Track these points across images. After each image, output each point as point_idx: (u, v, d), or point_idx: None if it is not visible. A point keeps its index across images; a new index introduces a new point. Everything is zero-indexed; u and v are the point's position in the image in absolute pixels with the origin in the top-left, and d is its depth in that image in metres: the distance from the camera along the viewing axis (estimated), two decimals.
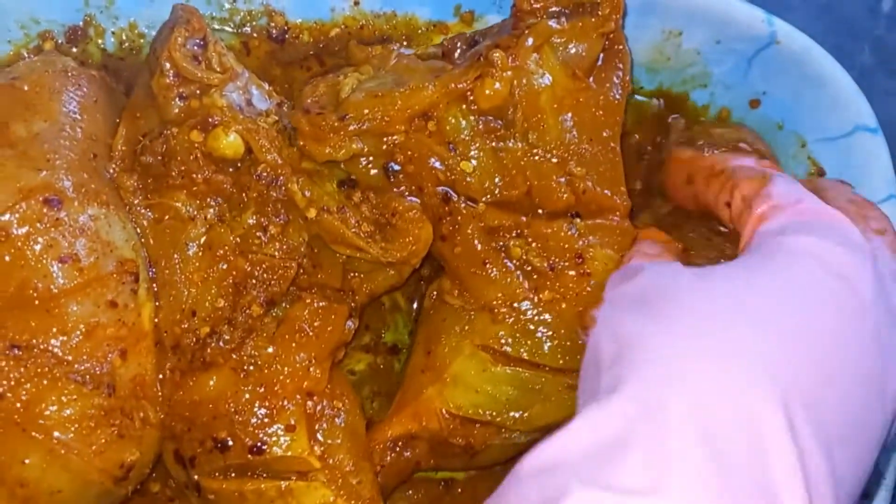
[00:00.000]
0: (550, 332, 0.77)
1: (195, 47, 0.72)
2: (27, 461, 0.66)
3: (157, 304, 0.72)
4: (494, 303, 0.77)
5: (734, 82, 0.90)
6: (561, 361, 0.78)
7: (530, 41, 0.74)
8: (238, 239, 0.72)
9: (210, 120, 0.71)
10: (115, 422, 0.68)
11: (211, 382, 0.72)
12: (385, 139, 0.74)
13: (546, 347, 0.78)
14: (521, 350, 0.77)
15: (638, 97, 0.91)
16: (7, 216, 0.66)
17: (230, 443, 0.72)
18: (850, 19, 1.00)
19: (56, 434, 0.66)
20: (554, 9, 0.77)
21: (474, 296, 0.77)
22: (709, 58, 0.88)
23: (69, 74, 0.73)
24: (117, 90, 0.78)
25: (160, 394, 0.72)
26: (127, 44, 0.80)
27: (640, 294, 0.65)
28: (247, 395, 0.72)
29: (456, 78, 0.73)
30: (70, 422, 0.67)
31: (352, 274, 0.77)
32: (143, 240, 0.72)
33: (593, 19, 0.76)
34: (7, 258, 0.66)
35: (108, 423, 0.68)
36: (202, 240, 0.72)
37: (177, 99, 0.72)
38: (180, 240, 0.72)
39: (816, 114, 0.90)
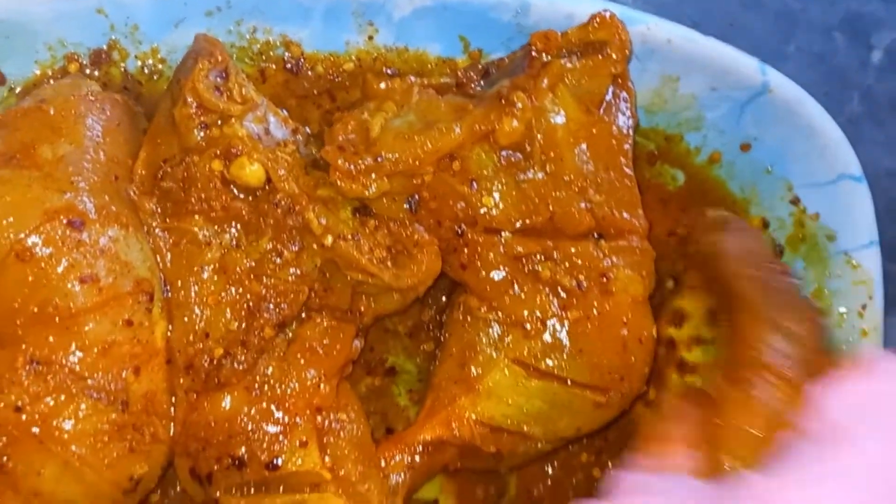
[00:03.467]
0: (580, 349, 0.81)
1: (217, 78, 0.75)
2: (42, 472, 0.69)
3: (169, 324, 0.75)
4: (526, 319, 0.80)
5: (727, 127, 0.93)
6: (590, 377, 0.82)
7: (546, 81, 0.79)
8: (253, 263, 0.75)
9: (233, 150, 0.74)
10: (128, 436, 0.71)
11: (225, 402, 0.75)
12: (413, 179, 0.78)
13: (576, 364, 0.81)
14: (553, 365, 0.81)
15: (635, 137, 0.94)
16: (33, 237, 0.69)
17: (247, 460, 0.75)
18: (842, 69, 1.03)
19: (72, 447, 0.69)
20: (565, 48, 0.82)
21: (505, 313, 0.81)
22: (704, 103, 0.92)
23: (94, 98, 0.76)
24: (139, 113, 0.80)
25: (170, 409, 0.75)
26: (148, 68, 0.83)
27: None
28: (260, 414, 0.75)
29: (479, 119, 0.78)
30: (85, 436, 0.70)
31: (359, 296, 0.80)
32: (159, 260, 0.75)
33: (601, 58, 0.81)
34: (31, 278, 0.69)
35: (121, 438, 0.71)
36: (217, 264, 0.75)
37: (198, 128, 0.74)
38: (196, 263, 0.75)
39: (804, 160, 0.93)
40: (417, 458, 0.82)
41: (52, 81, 0.79)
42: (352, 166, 0.76)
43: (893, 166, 1.05)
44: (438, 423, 0.82)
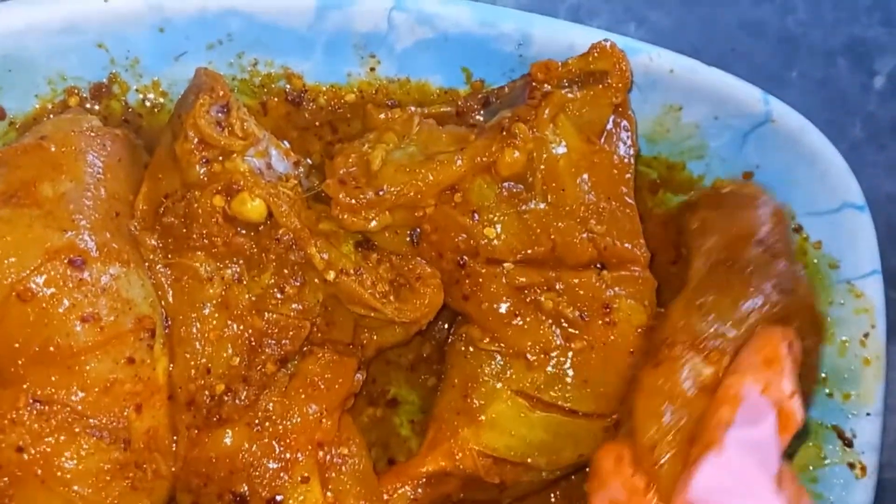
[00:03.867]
0: (584, 380, 0.81)
1: (219, 114, 0.75)
2: None
3: (171, 360, 0.74)
4: (529, 350, 0.80)
5: (729, 155, 0.93)
6: (594, 407, 0.82)
7: (547, 112, 0.79)
8: (254, 298, 0.75)
9: (234, 186, 0.73)
10: (129, 475, 0.71)
11: (227, 438, 0.74)
12: (415, 211, 0.77)
13: (579, 394, 0.81)
14: (556, 396, 0.81)
15: (637, 165, 0.93)
16: (34, 277, 0.68)
17: (248, 496, 0.74)
18: (844, 95, 1.03)
19: (74, 487, 0.69)
20: (566, 78, 0.81)
21: (507, 344, 0.81)
22: (706, 132, 0.92)
23: (94, 134, 0.75)
24: (139, 147, 0.80)
25: (172, 445, 0.74)
26: (149, 101, 0.82)
27: None
28: (262, 450, 0.75)
29: (481, 151, 0.77)
30: (88, 475, 0.69)
31: (361, 330, 0.80)
32: (161, 296, 0.74)
33: (602, 87, 0.80)
34: (32, 318, 0.68)
35: (123, 476, 0.70)
36: (219, 299, 0.74)
37: (200, 163, 0.74)
38: (197, 299, 0.74)
39: (807, 188, 0.93)
40: (420, 490, 0.82)
41: (51, 116, 0.79)
42: (353, 200, 0.76)
43: (894, 190, 1.05)
44: (441, 454, 0.82)
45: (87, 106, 0.80)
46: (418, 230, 0.78)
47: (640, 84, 0.88)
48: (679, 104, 0.90)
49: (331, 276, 0.75)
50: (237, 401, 0.74)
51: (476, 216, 0.78)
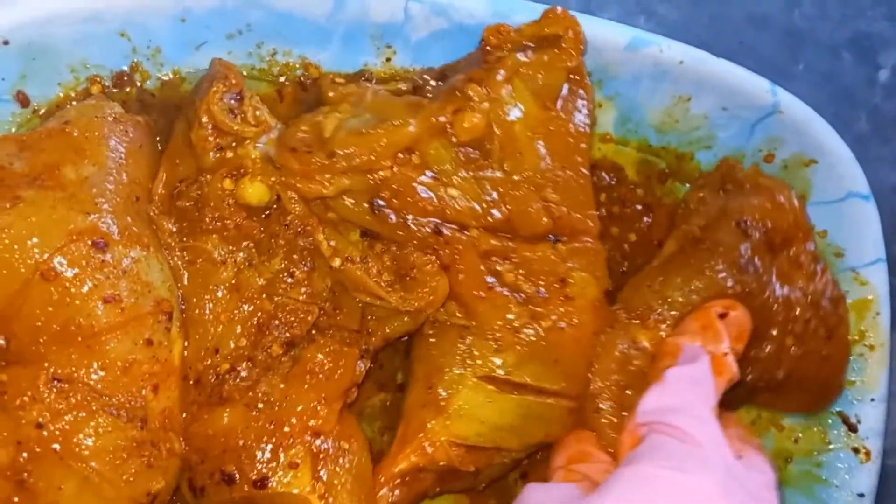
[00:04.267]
0: (551, 358, 0.79)
1: (232, 101, 0.75)
2: (63, 488, 0.68)
3: (185, 341, 0.74)
4: (498, 329, 0.78)
5: (737, 146, 0.93)
6: (564, 384, 0.80)
7: (502, 73, 0.77)
8: (264, 282, 0.75)
9: (241, 170, 0.73)
10: (145, 453, 0.70)
11: (224, 417, 0.74)
12: (371, 175, 0.75)
13: (548, 373, 0.79)
14: (524, 376, 0.79)
15: (646, 155, 0.93)
16: (58, 257, 0.68)
17: (236, 476, 0.73)
18: (849, 88, 1.03)
19: (92, 463, 0.68)
20: (519, 43, 0.80)
21: (479, 322, 0.78)
22: (715, 122, 0.91)
23: (117, 120, 0.75)
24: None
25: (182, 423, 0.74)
26: (168, 85, 0.82)
27: None
28: (256, 432, 0.74)
29: (435, 112, 0.75)
30: (105, 452, 0.69)
31: (369, 317, 0.79)
32: (177, 279, 0.74)
33: (557, 52, 0.79)
34: (55, 297, 0.68)
35: (139, 454, 0.70)
36: (231, 282, 0.74)
37: (214, 149, 0.74)
38: (211, 281, 0.74)
39: (813, 178, 0.93)
40: (398, 491, 0.80)
41: (74, 103, 0.79)
42: (305, 166, 0.74)
43: None
44: (413, 450, 0.79)
45: (108, 93, 0.80)
46: (377, 199, 0.75)
47: (650, 74, 0.88)
48: (688, 95, 0.89)
49: (336, 263, 0.75)
50: (239, 380, 0.74)
51: (436, 177, 0.75)
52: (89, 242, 0.69)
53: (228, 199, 0.74)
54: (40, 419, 0.68)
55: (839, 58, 1.03)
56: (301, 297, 0.75)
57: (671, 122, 0.91)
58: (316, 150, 0.74)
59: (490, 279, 0.78)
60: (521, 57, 0.78)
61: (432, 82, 0.82)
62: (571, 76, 0.81)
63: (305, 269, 0.75)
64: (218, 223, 0.74)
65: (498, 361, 0.79)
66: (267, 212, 0.75)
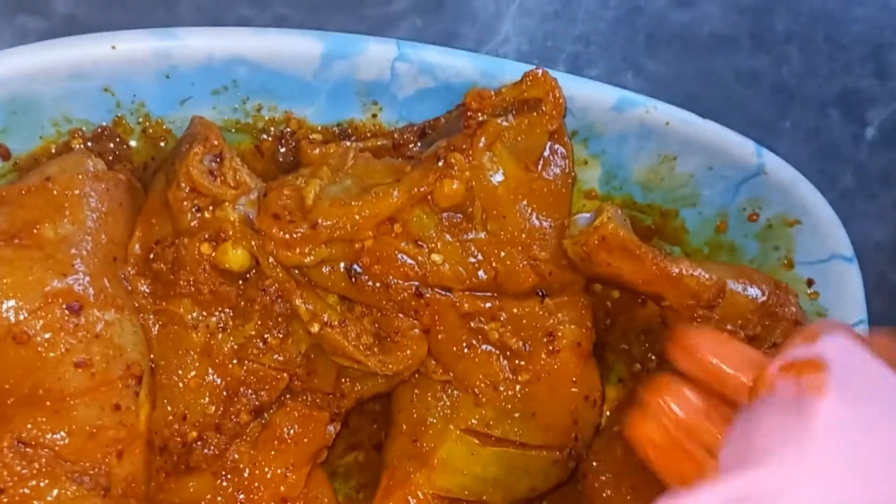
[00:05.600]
0: (532, 412, 0.75)
1: (211, 163, 0.69)
2: None
3: (153, 406, 0.69)
4: (478, 385, 0.74)
5: (722, 204, 0.87)
6: (543, 439, 0.76)
7: (483, 141, 0.71)
8: (236, 346, 0.69)
9: (221, 234, 0.67)
10: None
11: (191, 486, 0.69)
12: (353, 244, 0.70)
13: (528, 427, 0.75)
14: (506, 431, 0.75)
15: (631, 212, 0.88)
16: (32, 321, 0.63)
17: None
18: (836, 145, 0.97)
19: None
20: (500, 106, 0.75)
21: (458, 378, 0.74)
22: (700, 181, 0.85)
23: (98, 177, 0.69)
24: (140, 191, 0.73)
25: (147, 490, 0.69)
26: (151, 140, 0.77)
27: None
28: (224, 501, 0.69)
29: (417, 182, 0.70)
30: None
31: (344, 380, 0.74)
32: (148, 342, 0.69)
33: (537, 115, 0.73)
34: (27, 360, 0.62)
35: None
36: (202, 347, 0.69)
37: (191, 211, 0.68)
38: (181, 346, 0.68)
39: (798, 237, 0.88)
40: None
41: (54, 151, 0.73)
42: (287, 235, 0.68)
43: (882, 240, 0.99)
44: (395, 502, 0.75)
45: (90, 147, 0.74)
46: (355, 266, 0.70)
47: (636, 133, 0.82)
48: (674, 154, 0.83)
49: (315, 328, 0.69)
50: (207, 449, 0.68)
51: (420, 244, 0.71)
52: (64, 306, 0.64)
53: (205, 263, 0.68)
54: (1, 485, 0.62)
55: (826, 114, 0.97)
56: (272, 364, 0.69)
57: (656, 180, 0.85)
58: (299, 220, 0.69)
59: (473, 338, 0.74)
60: (501, 122, 0.72)
61: (412, 140, 0.77)
62: (552, 136, 0.75)
63: (279, 335, 0.69)
64: (192, 287, 0.68)
65: (479, 415, 0.75)
66: (245, 276, 0.69)
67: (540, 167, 0.74)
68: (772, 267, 0.88)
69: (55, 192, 0.68)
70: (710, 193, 0.86)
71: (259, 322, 0.69)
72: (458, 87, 0.77)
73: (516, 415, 0.75)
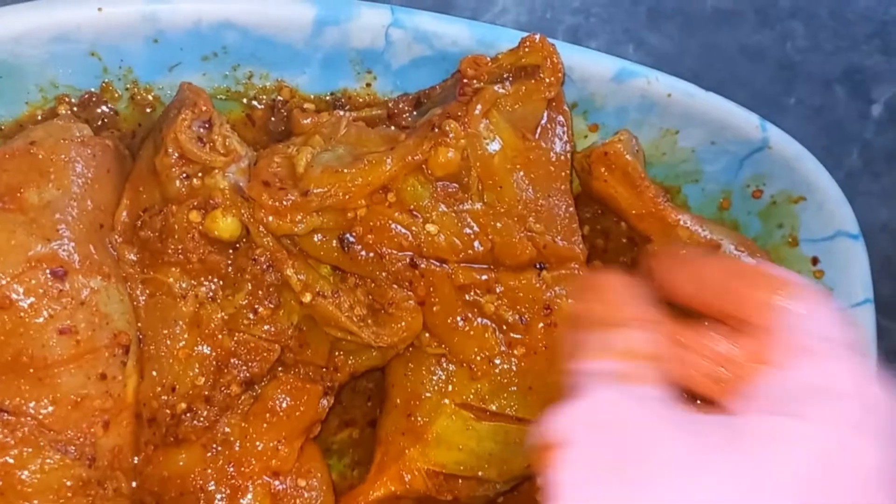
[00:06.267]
0: (528, 386, 0.73)
1: (200, 129, 0.67)
2: None
3: (140, 376, 0.67)
4: (473, 359, 0.72)
5: (725, 180, 0.85)
6: (540, 414, 0.73)
7: (479, 108, 0.69)
8: (226, 317, 0.67)
9: (210, 202, 0.66)
10: (91, 492, 0.63)
11: (181, 459, 0.67)
12: (346, 213, 0.68)
13: (524, 401, 0.73)
14: (502, 405, 0.73)
15: None
16: (14, 285, 0.61)
17: None
18: (841, 123, 0.95)
19: (34, 502, 0.61)
20: (496, 73, 0.72)
21: (453, 351, 0.72)
22: (702, 156, 0.83)
23: (84, 143, 0.67)
24: (128, 157, 0.72)
25: (134, 463, 0.67)
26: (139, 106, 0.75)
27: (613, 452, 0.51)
28: (215, 473, 0.67)
29: (411, 150, 0.68)
30: (49, 490, 0.62)
31: (337, 353, 0.72)
32: (136, 311, 0.67)
33: (535, 82, 0.71)
34: (9, 326, 0.61)
35: (84, 494, 0.63)
36: (191, 317, 0.67)
37: (180, 178, 0.66)
38: (170, 316, 0.66)
39: (802, 215, 0.85)
40: None
41: (40, 119, 0.71)
42: (278, 202, 0.66)
43: (888, 219, 0.97)
44: (390, 477, 0.73)
45: (76, 112, 0.72)
46: (348, 236, 0.68)
47: (637, 107, 0.80)
48: (676, 128, 0.81)
49: (307, 298, 0.67)
50: (196, 421, 0.66)
51: (414, 214, 0.68)
52: (48, 271, 0.62)
53: (194, 231, 0.66)
54: None
55: (832, 91, 0.95)
56: (263, 335, 0.67)
57: (658, 155, 0.83)
58: (289, 187, 0.67)
59: (468, 311, 0.72)
60: (498, 89, 0.70)
61: (407, 109, 0.75)
62: (550, 104, 0.73)
63: (270, 305, 0.67)
64: (181, 256, 0.66)
65: (475, 390, 0.73)
66: (235, 245, 0.67)
67: (538, 136, 0.72)
68: (776, 245, 0.87)
69: (40, 157, 0.66)
70: (712, 169, 0.84)
71: (250, 292, 0.67)
72: (454, 57, 0.75)
73: (512, 389, 0.73)
